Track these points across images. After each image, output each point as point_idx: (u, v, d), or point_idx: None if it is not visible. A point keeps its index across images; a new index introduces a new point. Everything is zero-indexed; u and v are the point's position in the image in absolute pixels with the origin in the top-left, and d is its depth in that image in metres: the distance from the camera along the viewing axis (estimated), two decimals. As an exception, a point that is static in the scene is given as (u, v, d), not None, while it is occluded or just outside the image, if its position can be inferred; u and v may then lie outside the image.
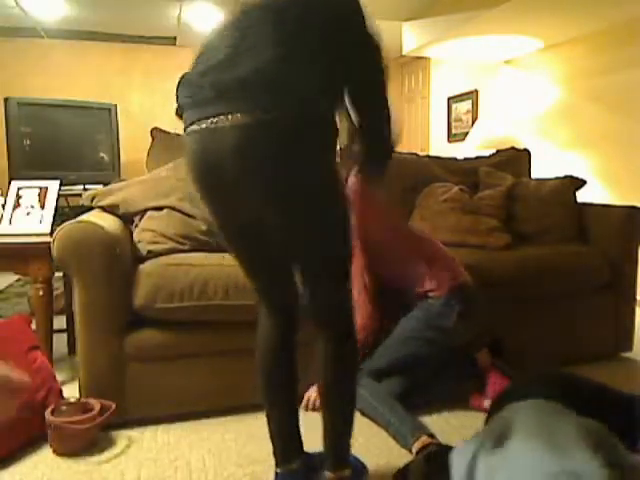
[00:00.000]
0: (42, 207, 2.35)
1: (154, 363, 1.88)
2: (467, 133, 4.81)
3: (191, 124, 1.17)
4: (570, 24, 3.77)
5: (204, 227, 2.12)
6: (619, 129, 3.79)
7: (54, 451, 1.72)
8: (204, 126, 1.13)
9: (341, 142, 1.41)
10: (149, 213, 2.14)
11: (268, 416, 1.44)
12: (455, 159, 3.21)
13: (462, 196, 2.66)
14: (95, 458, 1.70)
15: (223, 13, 1.28)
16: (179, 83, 1.24)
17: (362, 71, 1.24)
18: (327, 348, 1.29)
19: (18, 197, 2.37)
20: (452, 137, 5.57)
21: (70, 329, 2.60)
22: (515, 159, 3.06)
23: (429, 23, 4.35)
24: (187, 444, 1.79)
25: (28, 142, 3.90)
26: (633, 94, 3.66)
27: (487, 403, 1.98)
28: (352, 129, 1.32)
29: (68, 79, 5.53)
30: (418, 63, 5.91)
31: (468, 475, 1.24)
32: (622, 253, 2.55)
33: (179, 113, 1.25)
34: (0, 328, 1.93)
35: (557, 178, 2.77)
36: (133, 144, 5.01)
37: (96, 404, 1.76)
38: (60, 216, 2.35)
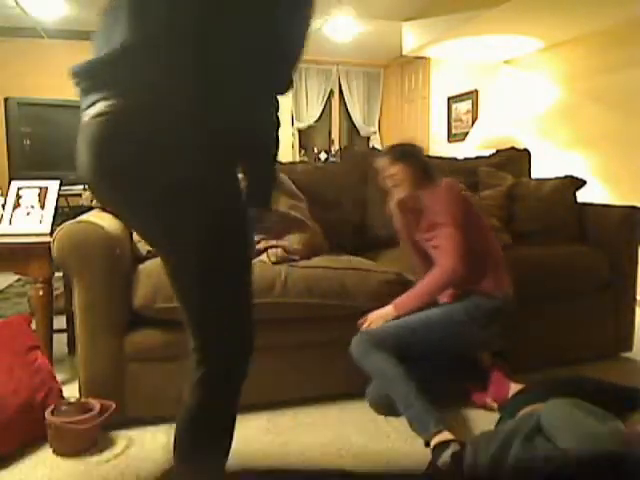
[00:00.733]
0: (42, 207, 2.35)
1: (154, 363, 1.88)
2: (467, 133, 4.81)
3: None
4: (570, 24, 3.77)
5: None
6: (619, 129, 3.78)
7: (54, 451, 1.72)
8: None
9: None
10: (149, 213, 2.14)
11: None
12: (455, 159, 3.21)
13: (462, 196, 2.66)
14: (95, 458, 1.70)
15: None
16: None
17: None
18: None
19: (18, 197, 2.37)
20: (452, 137, 5.57)
21: (70, 329, 2.60)
22: (515, 159, 3.06)
23: (429, 23, 4.35)
24: (187, 444, 1.79)
25: (28, 142, 3.90)
26: (633, 94, 3.66)
27: (490, 401, 1.99)
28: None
29: (68, 79, 5.52)
30: (418, 63, 5.91)
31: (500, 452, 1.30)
32: (622, 253, 2.55)
33: None
34: (0, 328, 1.93)
35: (557, 178, 2.77)
36: (133, 144, 5.00)
37: (96, 404, 1.76)
38: (60, 216, 2.35)
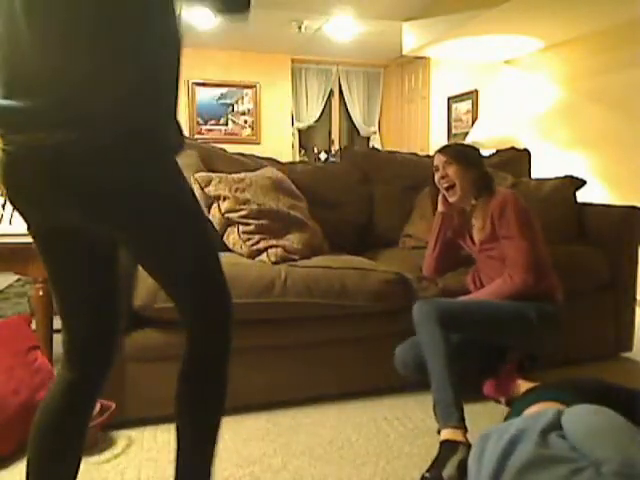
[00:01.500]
0: (42, 207, 2.34)
1: (154, 363, 1.89)
2: (467, 133, 4.81)
3: None
4: (570, 24, 3.77)
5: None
6: (619, 129, 3.78)
7: (54, 451, 1.72)
8: None
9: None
10: (149, 213, 2.14)
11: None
12: (455, 159, 3.20)
13: (462, 196, 2.66)
14: (95, 458, 1.70)
15: None
16: None
17: None
18: None
19: (18, 197, 2.37)
20: (452, 137, 5.56)
21: (70, 329, 2.60)
22: (515, 159, 3.06)
23: (429, 23, 4.35)
24: (187, 444, 1.79)
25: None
26: (633, 94, 3.66)
27: (496, 394, 2.05)
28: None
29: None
30: (418, 63, 5.91)
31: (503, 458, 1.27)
32: (622, 253, 2.55)
33: None
34: (0, 328, 1.93)
35: (557, 178, 2.77)
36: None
37: (96, 404, 1.76)
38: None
